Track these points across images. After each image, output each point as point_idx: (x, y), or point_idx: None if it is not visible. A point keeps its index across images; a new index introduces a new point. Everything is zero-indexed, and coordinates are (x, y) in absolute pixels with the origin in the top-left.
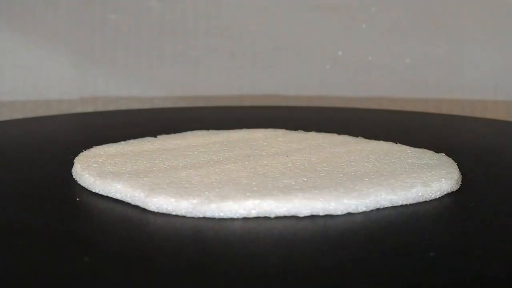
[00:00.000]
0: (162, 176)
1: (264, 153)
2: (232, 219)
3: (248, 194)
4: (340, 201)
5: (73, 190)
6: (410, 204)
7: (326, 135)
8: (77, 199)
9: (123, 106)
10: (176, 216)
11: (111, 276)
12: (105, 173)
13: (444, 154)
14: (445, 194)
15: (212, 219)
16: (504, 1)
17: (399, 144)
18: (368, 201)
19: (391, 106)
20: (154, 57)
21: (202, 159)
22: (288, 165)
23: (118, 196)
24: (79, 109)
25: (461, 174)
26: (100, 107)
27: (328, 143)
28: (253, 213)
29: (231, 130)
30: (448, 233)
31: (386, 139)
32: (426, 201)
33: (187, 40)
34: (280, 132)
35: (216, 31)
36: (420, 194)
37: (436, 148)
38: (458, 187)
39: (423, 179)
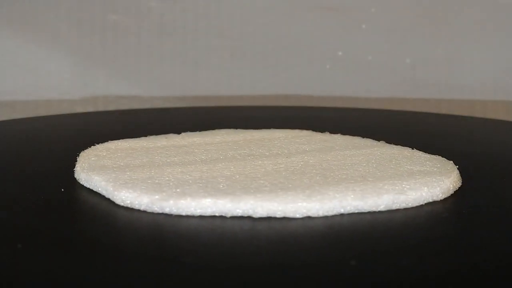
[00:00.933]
0: (146, 171)
1: (268, 153)
2: (188, 217)
3: (212, 193)
4: (300, 204)
5: (73, 189)
6: (385, 211)
7: (348, 138)
8: (62, 189)
9: (123, 106)
10: (139, 210)
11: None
12: (95, 167)
13: (452, 162)
14: (431, 202)
15: (170, 215)
16: (504, 1)
17: (414, 150)
18: (329, 206)
19: (391, 106)
20: (154, 57)
21: (202, 157)
22: (281, 166)
23: (97, 189)
24: (79, 109)
25: (461, 176)
26: (100, 107)
27: (342, 146)
28: (209, 211)
29: (255, 130)
30: (382, 245)
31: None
32: (407, 209)
33: (187, 40)
34: (304, 133)
35: (216, 31)
36: (392, 202)
37: (436, 148)
38: (445, 196)
39: (403, 186)
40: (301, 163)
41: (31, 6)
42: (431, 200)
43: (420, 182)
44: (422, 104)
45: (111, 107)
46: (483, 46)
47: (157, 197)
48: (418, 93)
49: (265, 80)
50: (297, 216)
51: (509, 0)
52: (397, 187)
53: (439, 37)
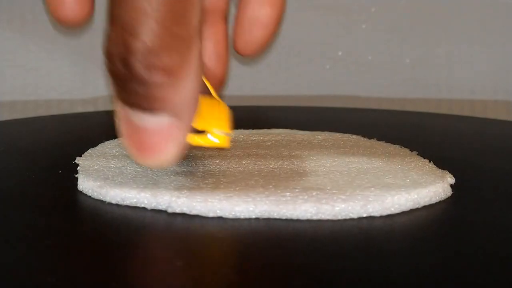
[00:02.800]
0: (132, 163)
1: (286, 154)
2: (118, 205)
3: (150, 186)
4: (210, 203)
5: (73, 189)
6: (314, 220)
7: (381, 145)
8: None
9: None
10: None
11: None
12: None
13: (447, 173)
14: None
15: (110, 203)
16: (504, 1)
17: (418, 158)
18: (255, 209)
19: (391, 106)
20: None
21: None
22: (273, 166)
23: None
24: (79, 109)
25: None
26: (100, 107)
27: (359, 154)
28: (133, 202)
29: (313, 132)
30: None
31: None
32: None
33: None
34: (354, 137)
35: None
36: (312, 212)
37: (436, 148)
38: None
39: (347, 196)
40: (297, 166)
41: (31, 6)
42: (419, 206)
43: (369, 196)
44: (422, 104)
45: (111, 107)
46: (483, 46)
47: (98, 183)
48: (418, 93)
49: (265, 80)
50: (228, 215)
51: (509, 0)
52: (330, 197)
53: (439, 37)
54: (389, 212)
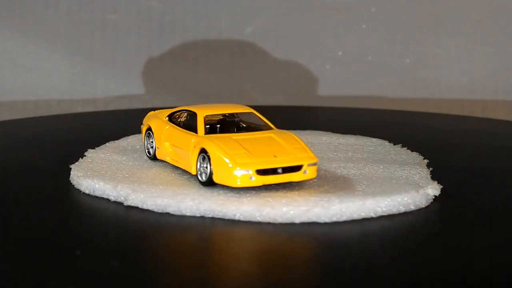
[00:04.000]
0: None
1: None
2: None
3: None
4: (162, 200)
5: (72, 189)
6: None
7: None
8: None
9: (123, 106)
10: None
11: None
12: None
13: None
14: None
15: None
16: (504, 1)
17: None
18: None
19: (391, 106)
20: (154, 57)
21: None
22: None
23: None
24: (79, 109)
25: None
26: (100, 107)
27: (370, 160)
28: (111, 197)
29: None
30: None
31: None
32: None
33: (187, 40)
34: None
35: (216, 31)
36: (256, 214)
37: (436, 147)
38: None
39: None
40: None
41: (31, 6)
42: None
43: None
44: (422, 104)
45: (111, 107)
46: (483, 46)
47: (80, 174)
48: (418, 93)
49: (265, 80)
50: (187, 214)
51: (509, 0)
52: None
53: (439, 37)
54: (333, 219)
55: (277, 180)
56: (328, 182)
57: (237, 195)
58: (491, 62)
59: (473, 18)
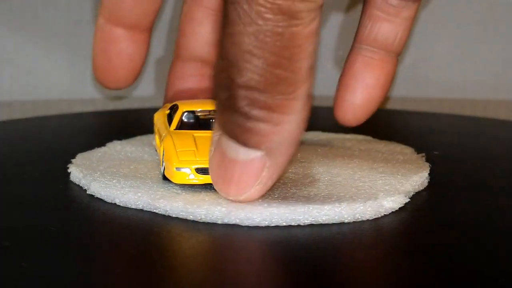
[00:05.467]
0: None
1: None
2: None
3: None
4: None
5: (72, 188)
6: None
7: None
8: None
9: (123, 106)
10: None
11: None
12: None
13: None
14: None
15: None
16: (504, 0)
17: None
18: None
19: (391, 106)
20: (154, 57)
21: None
22: None
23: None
24: (79, 109)
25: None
26: (100, 107)
27: (370, 158)
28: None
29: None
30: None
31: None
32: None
33: None
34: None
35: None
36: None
37: (436, 147)
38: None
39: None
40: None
41: (30, 6)
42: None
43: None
44: (422, 104)
45: (111, 107)
46: (484, 45)
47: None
48: (418, 93)
49: None
50: (173, 215)
51: (509, 0)
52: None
53: (439, 37)
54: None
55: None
56: (293, 185)
57: (179, 191)
58: (491, 62)
59: (473, 18)
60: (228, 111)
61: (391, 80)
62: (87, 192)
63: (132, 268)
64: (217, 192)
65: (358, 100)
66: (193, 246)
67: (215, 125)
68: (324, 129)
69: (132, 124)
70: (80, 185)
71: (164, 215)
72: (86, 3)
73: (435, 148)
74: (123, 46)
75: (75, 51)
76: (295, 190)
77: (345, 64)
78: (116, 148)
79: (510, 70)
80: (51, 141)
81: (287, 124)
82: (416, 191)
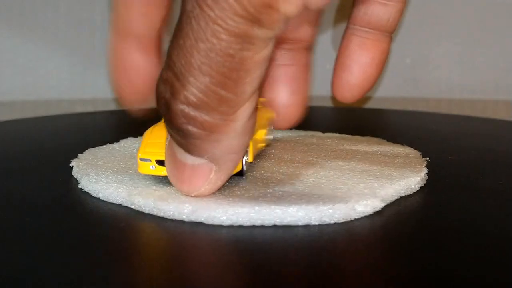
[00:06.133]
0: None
1: (298, 159)
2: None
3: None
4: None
5: (73, 190)
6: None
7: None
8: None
9: (122, 106)
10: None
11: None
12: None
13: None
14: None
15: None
16: (504, 1)
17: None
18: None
19: (391, 106)
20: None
21: None
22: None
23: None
24: (79, 109)
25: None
26: (100, 107)
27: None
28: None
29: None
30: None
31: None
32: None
33: None
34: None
35: None
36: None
37: (435, 147)
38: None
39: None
40: (282, 172)
41: (30, 6)
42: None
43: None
44: (422, 104)
45: (111, 107)
46: (483, 46)
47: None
48: (418, 93)
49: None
50: (154, 213)
51: (509, 0)
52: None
53: (439, 37)
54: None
55: None
56: (273, 185)
57: (157, 188)
58: (491, 62)
59: (473, 18)
60: (168, 124)
61: (386, 58)
62: (79, 186)
63: (81, 261)
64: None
65: (354, 78)
66: (151, 242)
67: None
68: (323, 129)
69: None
70: (77, 179)
71: (138, 211)
72: (87, 3)
73: (435, 149)
74: (136, 58)
75: (76, 51)
76: (271, 190)
77: (340, 45)
78: (125, 145)
79: (509, 71)
80: (51, 141)
81: (226, 141)
82: (402, 195)
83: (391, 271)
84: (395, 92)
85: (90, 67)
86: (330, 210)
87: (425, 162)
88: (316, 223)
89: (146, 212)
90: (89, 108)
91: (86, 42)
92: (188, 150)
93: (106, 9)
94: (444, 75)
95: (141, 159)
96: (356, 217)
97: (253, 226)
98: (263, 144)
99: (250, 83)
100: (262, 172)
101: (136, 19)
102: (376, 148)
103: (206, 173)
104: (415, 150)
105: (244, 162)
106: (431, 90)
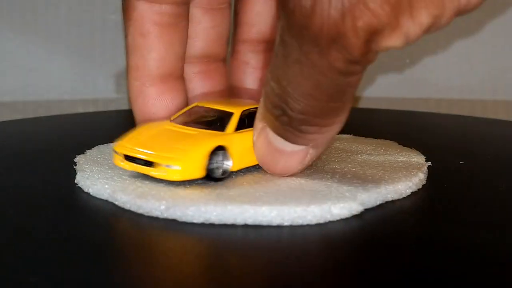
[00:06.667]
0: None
1: None
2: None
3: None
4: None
5: (73, 190)
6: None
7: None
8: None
9: (123, 106)
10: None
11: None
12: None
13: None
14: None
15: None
16: (504, 1)
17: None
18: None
19: (390, 106)
20: None
21: None
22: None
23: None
24: (79, 109)
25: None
26: (100, 107)
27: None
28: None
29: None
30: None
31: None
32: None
33: None
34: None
35: None
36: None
37: (435, 147)
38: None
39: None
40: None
41: (31, 6)
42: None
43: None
44: (422, 104)
45: (111, 107)
46: (483, 46)
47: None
48: (418, 93)
49: None
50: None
51: (508, 0)
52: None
53: (438, 37)
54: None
55: (137, 169)
56: (259, 185)
57: (141, 184)
58: (491, 62)
59: (473, 18)
60: (279, 121)
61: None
62: (75, 181)
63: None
64: (169, 187)
65: None
66: (120, 239)
67: (257, 115)
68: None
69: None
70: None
71: (121, 208)
72: (87, 4)
73: (435, 149)
74: (160, 100)
75: (77, 51)
76: (252, 190)
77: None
78: None
79: (508, 71)
80: (52, 141)
81: (333, 131)
82: (390, 199)
83: (342, 277)
84: (395, 92)
85: (90, 67)
86: (303, 212)
87: (425, 167)
88: (288, 224)
89: (127, 208)
90: (90, 109)
91: (87, 42)
92: (294, 141)
93: (106, 10)
94: (444, 75)
95: (114, 151)
96: (332, 220)
97: (225, 225)
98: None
99: (351, 93)
100: (254, 172)
101: (156, 59)
102: (382, 151)
103: (302, 157)
104: (421, 155)
105: (221, 169)
106: (431, 90)
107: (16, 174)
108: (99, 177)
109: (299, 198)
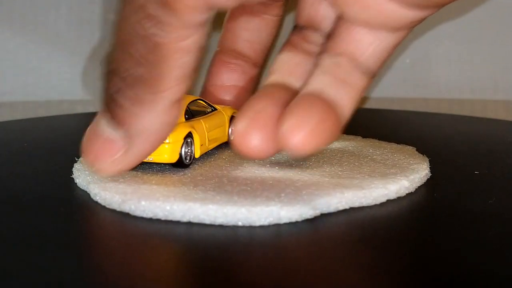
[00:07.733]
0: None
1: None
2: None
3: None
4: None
5: (73, 190)
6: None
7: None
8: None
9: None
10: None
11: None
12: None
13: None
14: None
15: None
16: (504, 0)
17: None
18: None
19: (391, 106)
20: None
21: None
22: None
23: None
24: (79, 109)
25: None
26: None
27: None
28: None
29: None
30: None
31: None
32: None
33: None
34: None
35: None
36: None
37: (435, 147)
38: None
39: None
40: (274, 173)
41: (31, 6)
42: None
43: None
44: (422, 104)
45: None
46: (483, 46)
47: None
48: (418, 93)
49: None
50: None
51: (509, 0)
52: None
53: (439, 37)
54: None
55: None
56: (235, 184)
57: (121, 180)
58: (491, 62)
59: (473, 18)
60: (106, 91)
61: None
62: (75, 181)
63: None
64: (137, 182)
65: None
66: (120, 240)
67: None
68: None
69: None
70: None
71: (101, 204)
72: (88, 4)
73: (435, 150)
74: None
75: (77, 51)
76: (229, 188)
77: None
78: None
79: (508, 71)
80: (52, 141)
81: (144, 118)
82: (365, 205)
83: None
84: (395, 92)
85: (90, 67)
86: (258, 213)
87: (425, 171)
88: (245, 224)
89: (103, 204)
90: (90, 109)
91: (87, 42)
92: (111, 116)
93: (106, 9)
94: (444, 75)
95: None
96: (284, 222)
97: (190, 223)
98: (217, 143)
99: (172, 68)
100: (237, 172)
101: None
102: (384, 155)
103: (115, 149)
104: (424, 158)
105: (184, 154)
106: (431, 90)
107: (15, 174)
108: (99, 177)
109: (262, 199)
